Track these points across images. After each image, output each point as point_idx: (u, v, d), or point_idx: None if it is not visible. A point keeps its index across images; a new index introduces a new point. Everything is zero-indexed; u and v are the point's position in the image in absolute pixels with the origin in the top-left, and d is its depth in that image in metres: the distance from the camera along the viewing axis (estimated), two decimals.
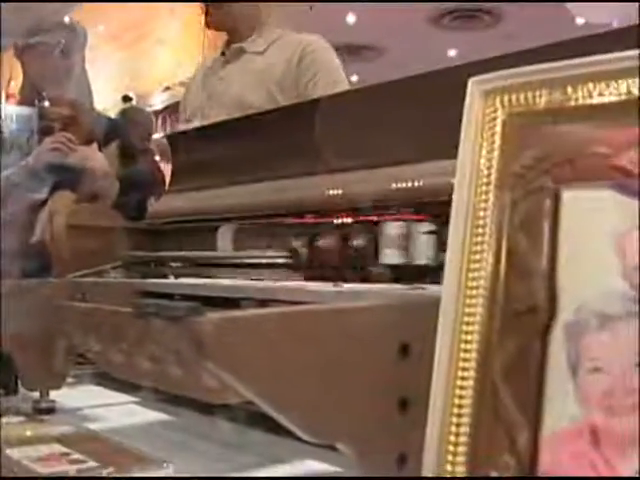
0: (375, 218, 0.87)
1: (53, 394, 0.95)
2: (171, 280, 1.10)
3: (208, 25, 1.80)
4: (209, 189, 1.26)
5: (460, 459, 0.42)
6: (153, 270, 1.29)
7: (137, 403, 1.02)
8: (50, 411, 0.93)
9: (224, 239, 1.15)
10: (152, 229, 1.33)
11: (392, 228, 0.84)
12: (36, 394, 0.95)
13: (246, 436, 0.85)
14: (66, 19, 1.97)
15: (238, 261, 1.15)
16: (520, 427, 0.41)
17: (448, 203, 0.48)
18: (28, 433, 0.80)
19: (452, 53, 7.23)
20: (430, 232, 0.83)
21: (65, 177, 1.54)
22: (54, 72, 1.77)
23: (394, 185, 0.87)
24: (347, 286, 0.83)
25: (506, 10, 6.37)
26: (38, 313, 0.94)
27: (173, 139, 1.43)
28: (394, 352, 0.52)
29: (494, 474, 0.41)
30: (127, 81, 5.27)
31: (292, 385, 0.46)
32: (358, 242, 0.87)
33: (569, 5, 5.29)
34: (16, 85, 2.47)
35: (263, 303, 0.88)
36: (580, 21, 5.79)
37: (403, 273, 0.84)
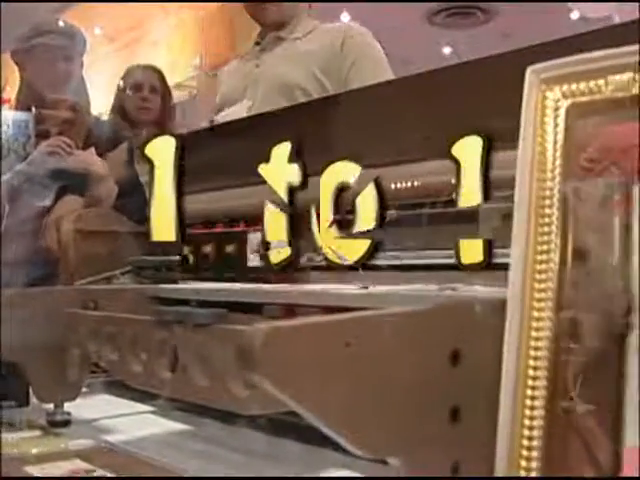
0: None
1: (66, 405, 0.92)
2: (186, 285, 1.07)
3: (258, 19, 1.78)
4: (218, 191, 1.23)
5: (534, 474, 0.39)
6: (163, 275, 1.25)
7: (153, 412, 0.99)
8: (66, 424, 0.89)
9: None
10: None
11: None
12: (49, 406, 0.91)
13: (270, 445, 0.82)
14: (61, 24, 1.94)
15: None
16: (599, 438, 0.38)
17: None
18: (46, 449, 0.76)
19: (447, 50, 7.20)
20: None
21: (67, 182, 1.51)
22: (54, 75, 1.74)
23: None
24: (372, 288, 0.81)
25: (500, 7, 6.34)
26: (49, 322, 0.90)
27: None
28: (445, 358, 0.49)
29: None
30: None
31: (343, 397, 0.43)
32: None
33: None
34: (12, 90, 2.44)
35: (288, 308, 0.85)
36: (575, 16, 5.77)
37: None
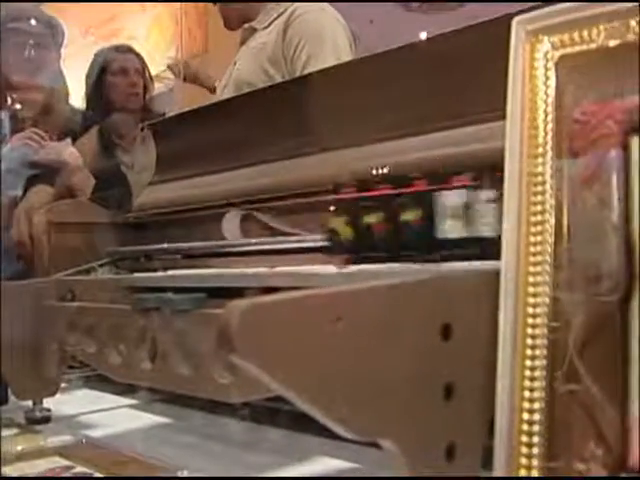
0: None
1: (46, 401, 0.89)
2: (165, 273, 1.04)
3: (225, 22, 1.71)
4: (195, 177, 1.19)
5: (536, 450, 0.37)
6: (142, 264, 1.22)
7: (135, 406, 0.96)
8: (46, 420, 0.86)
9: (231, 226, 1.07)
10: (138, 222, 1.26)
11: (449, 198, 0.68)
12: (28, 403, 0.88)
13: (254, 434, 0.79)
14: (39, 11, 1.89)
15: (234, 250, 1.08)
16: (606, 410, 0.36)
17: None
18: (24, 447, 0.73)
19: (423, 36, 7.16)
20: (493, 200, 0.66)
21: (37, 171, 1.46)
22: (27, 61, 1.70)
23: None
24: (353, 267, 0.78)
25: None
26: (25, 316, 0.87)
27: (155, 128, 1.36)
28: (436, 334, 0.46)
29: (580, 466, 0.35)
30: None
31: (331, 377, 0.41)
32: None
33: None
34: None
35: (266, 291, 0.82)
36: None
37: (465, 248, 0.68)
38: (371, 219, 0.74)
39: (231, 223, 1.01)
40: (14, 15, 1.76)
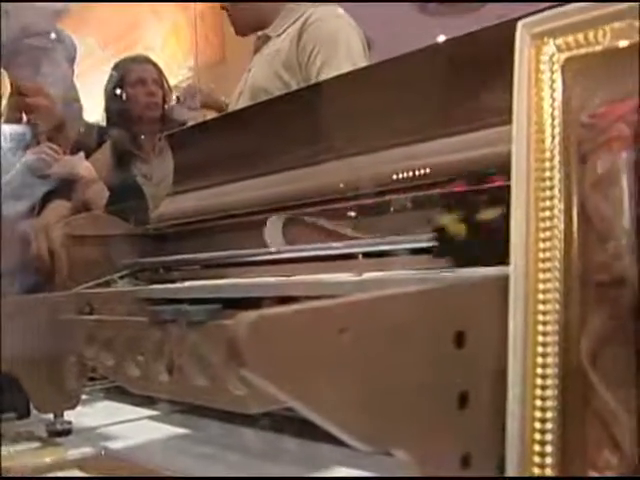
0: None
1: (67, 414, 0.89)
2: (183, 284, 1.04)
3: (235, 28, 1.72)
4: (213, 187, 1.20)
5: (549, 460, 0.36)
6: (162, 276, 1.23)
7: (155, 418, 0.96)
8: (67, 433, 0.87)
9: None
10: (158, 234, 1.27)
11: None
12: (50, 416, 0.89)
13: (278, 444, 0.79)
14: (49, 27, 1.91)
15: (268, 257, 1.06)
16: (619, 418, 0.35)
17: None
18: (45, 460, 0.73)
19: (441, 39, 7.13)
20: None
21: (53, 186, 1.47)
22: (38, 76, 1.71)
23: None
24: (367, 275, 0.77)
25: None
26: (44, 330, 0.88)
27: (173, 138, 1.37)
28: (449, 342, 0.46)
29: (594, 475, 0.35)
30: None
31: (342, 388, 0.40)
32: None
33: None
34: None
35: (282, 301, 0.82)
36: None
37: None
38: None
39: (274, 229, 0.99)
40: (23, 33, 1.77)
